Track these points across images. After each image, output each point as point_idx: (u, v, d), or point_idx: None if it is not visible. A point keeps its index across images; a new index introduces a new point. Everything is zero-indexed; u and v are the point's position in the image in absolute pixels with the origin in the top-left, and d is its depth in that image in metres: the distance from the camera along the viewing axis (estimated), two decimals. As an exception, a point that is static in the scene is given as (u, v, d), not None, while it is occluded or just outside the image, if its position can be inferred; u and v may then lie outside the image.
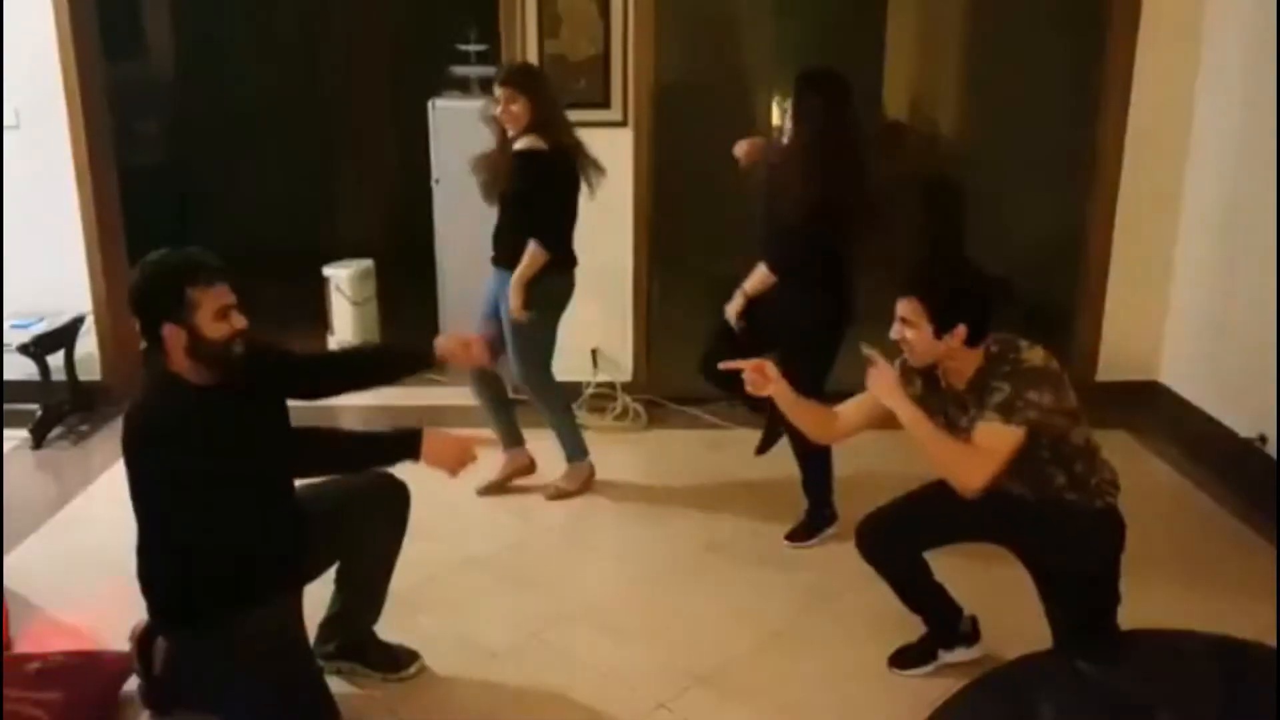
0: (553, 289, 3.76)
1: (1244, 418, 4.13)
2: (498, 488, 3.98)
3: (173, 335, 2.42)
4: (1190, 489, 4.08)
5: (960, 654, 2.96)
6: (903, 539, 2.83)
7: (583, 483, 4.00)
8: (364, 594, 2.89)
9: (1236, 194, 4.30)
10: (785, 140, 3.47)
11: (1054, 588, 2.72)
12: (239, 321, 2.48)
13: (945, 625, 2.97)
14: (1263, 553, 3.59)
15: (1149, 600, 3.19)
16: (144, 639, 2.71)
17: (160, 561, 2.53)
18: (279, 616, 2.55)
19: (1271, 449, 3.95)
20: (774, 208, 3.45)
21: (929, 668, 2.96)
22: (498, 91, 3.63)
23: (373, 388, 3.09)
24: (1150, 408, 4.70)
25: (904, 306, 2.61)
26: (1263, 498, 3.84)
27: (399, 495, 2.84)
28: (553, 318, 3.83)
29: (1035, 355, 2.58)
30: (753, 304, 3.54)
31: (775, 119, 3.61)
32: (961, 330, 2.54)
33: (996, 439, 2.51)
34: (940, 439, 2.57)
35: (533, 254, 3.65)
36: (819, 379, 3.43)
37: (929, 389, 2.71)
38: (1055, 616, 2.72)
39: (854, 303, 3.54)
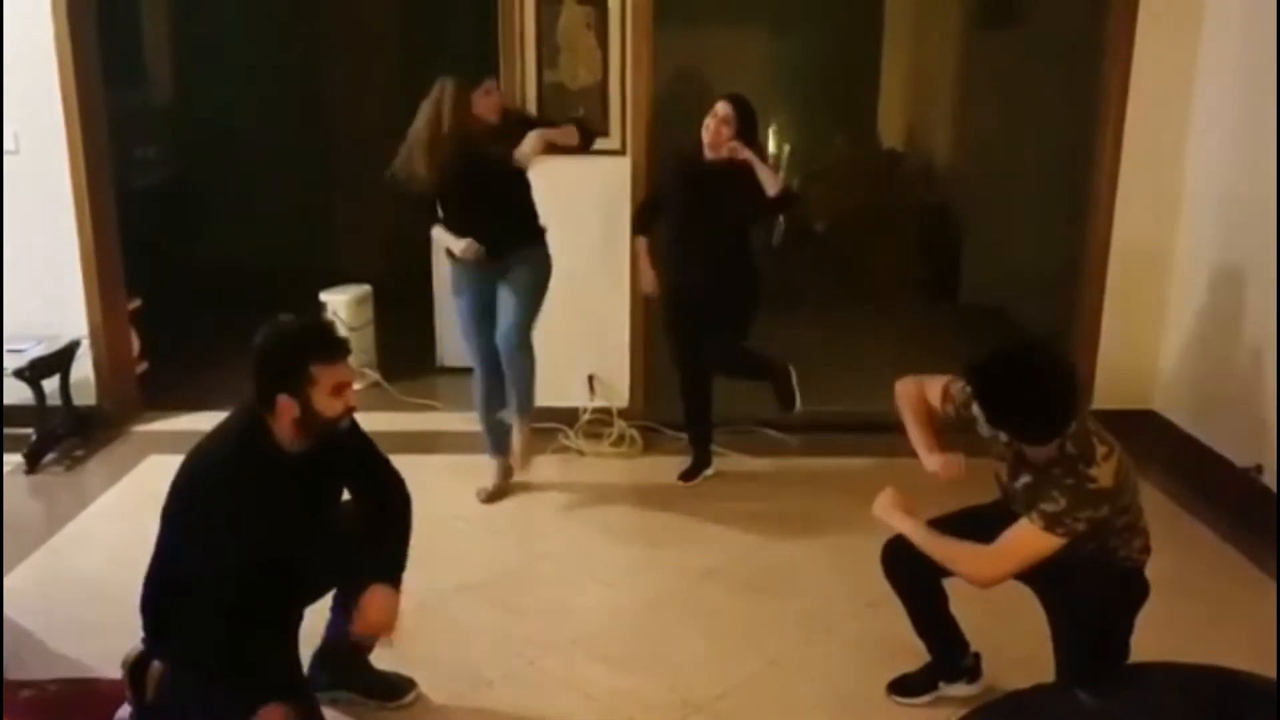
0: (548, 258, 4.01)
1: (1239, 447, 4.13)
2: (501, 494, 4.16)
3: (286, 407, 2.44)
4: (1186, 518, 4.08)
5: (961, 688, 2.94)
6: (926, 560, 2.75)
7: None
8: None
9: (1231, 226, 4.33)
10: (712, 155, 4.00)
11: (1064, 631, 2.63)
12: (351, 400, 2.51)
13: (950, 657, 2.94)
14: (1259, 582, 3.59)
15: (1145, 629, 3.18)
16: (136, 666, 2.69)
17: (166, 591, 2.51)
18: (274, 644, 2.53)
19: (1268, 479, 3.95)
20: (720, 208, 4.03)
21: (928, 698, 2.94)
22: (489, 82, 3.83)
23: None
24: (1145, 436, 4.69)
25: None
26: (1259, 527, 3.84)
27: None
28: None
29: (1105, 475, 2.44)
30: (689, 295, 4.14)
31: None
32: (1003, 436, 2.51)
33: (1028, 544, 2.47)
34: (949, 547, 2.57)
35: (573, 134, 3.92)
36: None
37: (1007, 446, 2.61)
38: (1060, 659, 2.64)
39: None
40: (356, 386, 5.54)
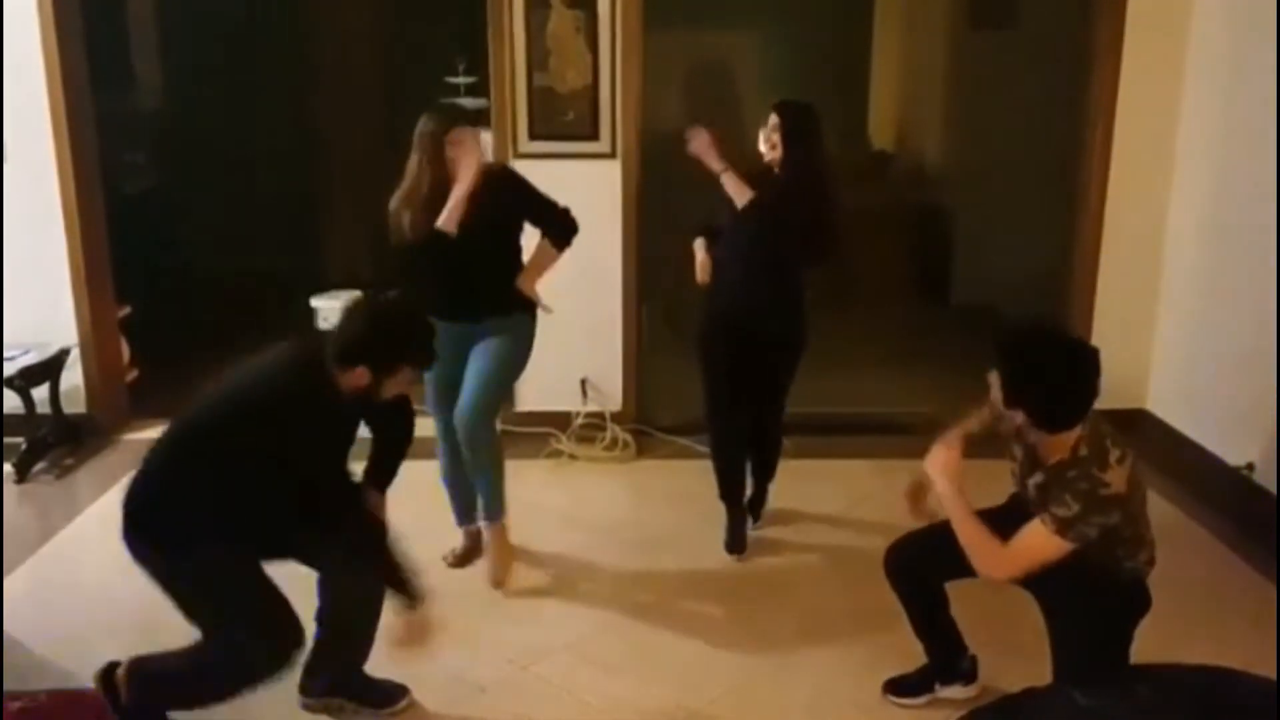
0: (531, 332, 3.56)
1: (1232, 446, 4.14)
2: (470, 556, 3.70)
3: (360, 375, 2.57)
4: (1180, 517, 4.08)
5: (957, 691, 2.94)
6: (929, 565, 2.79)
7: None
8: (351, 636, 2.85)
9: (1222, 223, 4.34)
10: (778, 171, 3.53)
11: (1063, 638, 2.60)
12: (409, 388, 2.78)
13: (947, 659, 2.94)
14: (1253, 581, 3.60)
15: (1141, 630, 3.18)
16: (106, 675, 2.71)
17: (168, 490, 2.60)
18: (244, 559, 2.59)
19: (1260, 477, 3.96)
20: (770, 236, 3.51)
21: (923, 699, 2.95)
22: (460, 131, 3.36)
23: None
24: (1138, 436, 4.69)
25: (992, 370, 2.52)
26: (1252, 526, 3.85)
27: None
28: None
29: (1118, 479, 2.43)
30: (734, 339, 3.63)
31: (764, 151, 3.57)
32: (1019, 416, 2.46)
33: (1039, 548, 2.46)
34: (976, 527, 2.52)
35: (552, 254, 3.51)
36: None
37: (1019, 440, 2.63)
38: (1058, 664, 2.61)
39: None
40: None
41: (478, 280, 3.41)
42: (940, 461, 2.60)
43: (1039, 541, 2.46)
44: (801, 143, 3.48)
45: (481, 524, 3.59)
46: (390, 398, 2.71)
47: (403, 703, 2.91)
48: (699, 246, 3.73)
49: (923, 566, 2.81)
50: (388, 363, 2.59)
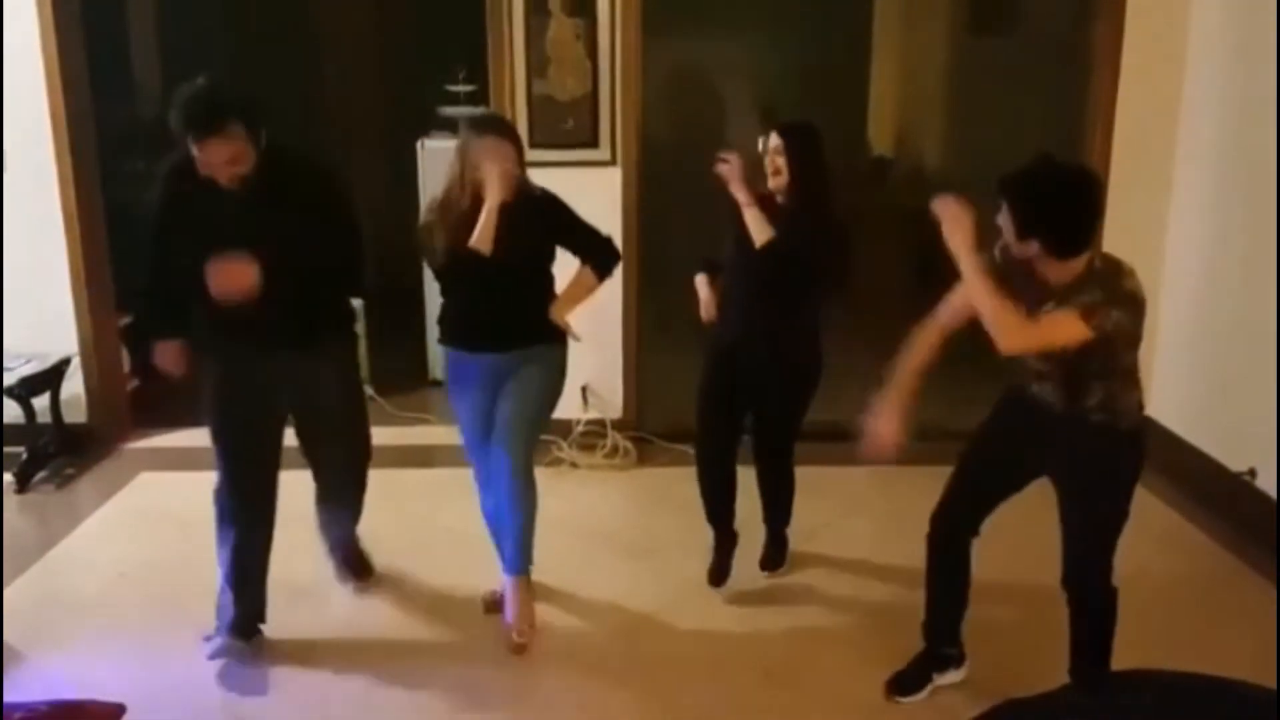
0: (565, 362, 3.40)
1: (1233, 452, 4.14)
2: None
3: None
4: (1181, 523, 4.08)
5: (951, 675, 3.03)
6: (970, 522, 2.91)
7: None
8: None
9: (1222, 227, 4.33)
10: (783, 200, 3.35)
11: (1076, 505, 2.73)
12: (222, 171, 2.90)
13: (949, 639, 3.02)
14: (1256, 587, 3.59)
15: (1144, 635, 3.18)
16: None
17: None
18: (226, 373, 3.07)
19: (1261, 483, 3.95)
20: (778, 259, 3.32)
21: (926, 692, 3.00)
22: (494, 142, 3.12)
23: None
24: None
25: (1002, 205, 2.59)
26: (1255, 532, 3.84)
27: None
28: None
29: (1135, 284, 2.54)
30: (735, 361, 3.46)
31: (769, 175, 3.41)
32: (1034, 246, 2.52)
33: (1061, 326, 2.50)
34: (994, 294, 2.54)
35: (592, 283, 3.33)
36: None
37: (1020, 274, 2.64)
38: (1071, 538, 2.75)
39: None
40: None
41: (510, 307, 3.24)
42: (958, 224, 2.58)
43: (1061, 319, 2.50)
44: (811, 170, 3.32)
45: (504, 576, 3.32)
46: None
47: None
48: (701, 284, 3.56)
49: (965, 528, 2.91)
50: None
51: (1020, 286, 2.60)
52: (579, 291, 3.31)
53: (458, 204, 3.13)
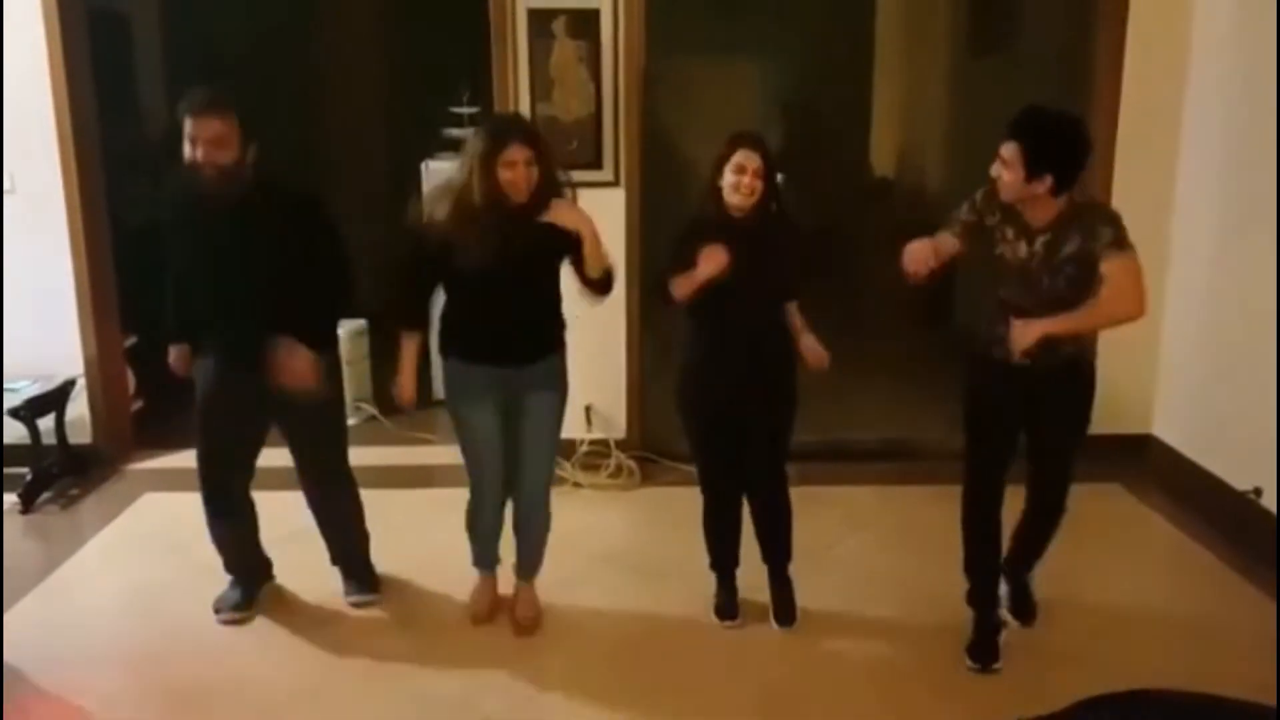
0: (566, 372, 3.41)
1: (1238, 471, 4.13)
2: (496, 610, 3.56)
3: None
4: (1186, 542, 4.08)
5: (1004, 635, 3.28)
6: (995, 490, 3.20)
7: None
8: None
9: (1226, 248, 4.34)
10: (745, 217, 3.22)
11: (1063, 438, 3.18)
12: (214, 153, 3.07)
13: (996, 601, 3.28)
14: (1260, 607, 3.58)
15: (1149, 654, 3.18)
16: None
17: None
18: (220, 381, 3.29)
19: (1266, 502, 3.95)
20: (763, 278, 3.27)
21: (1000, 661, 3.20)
22: (515, 151, 3.03)
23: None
24: (1144, 461, 4.70)
25: (1005, 148, 2.90)
26: (1259, 551, 3.83)
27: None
28: None
29: (1116, 213, 2.96)
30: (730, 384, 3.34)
31: (739, 197, 3.28)
32: (1049, 180, 2.85)
33: (1130, 268, 2.86)
34: (1093, 315, 2.94)
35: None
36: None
37: (1006, 216, 3.02)
38: (1059, 468, 3.21)
39: None
40: (351, 421, 5.53)
41: (526, 317, 3.23)
42: (1030, 334, 2.94)
43: (1125, 264, 2.86)
44: (774, 187, 3.23)
45: (518, 580, 3.53)
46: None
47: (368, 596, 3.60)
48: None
49: (997, 499, 3.20)
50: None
51: (1009, 227, 3.00)
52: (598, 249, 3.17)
53: (470, 206, 3.05)
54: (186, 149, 3.08)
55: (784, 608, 3.50)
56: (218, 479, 3.40)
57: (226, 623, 3.48)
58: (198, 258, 3.28)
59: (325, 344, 3.37)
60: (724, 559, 3.58)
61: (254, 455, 3.44)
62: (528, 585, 3.54)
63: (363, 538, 3.70)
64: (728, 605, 3.54)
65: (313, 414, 3.36)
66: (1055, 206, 2.92)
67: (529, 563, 3.52)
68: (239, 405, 3.31)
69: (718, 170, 3.20)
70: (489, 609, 3.54)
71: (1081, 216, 2.92)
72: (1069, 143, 2.88)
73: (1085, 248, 2.88)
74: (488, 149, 3.03)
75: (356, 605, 3.60)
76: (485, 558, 3.57)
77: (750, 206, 3.20)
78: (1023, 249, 2.99)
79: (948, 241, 3.14)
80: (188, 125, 3.06)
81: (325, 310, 3.39)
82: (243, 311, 3.24)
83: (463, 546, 3.57)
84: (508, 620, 3.51)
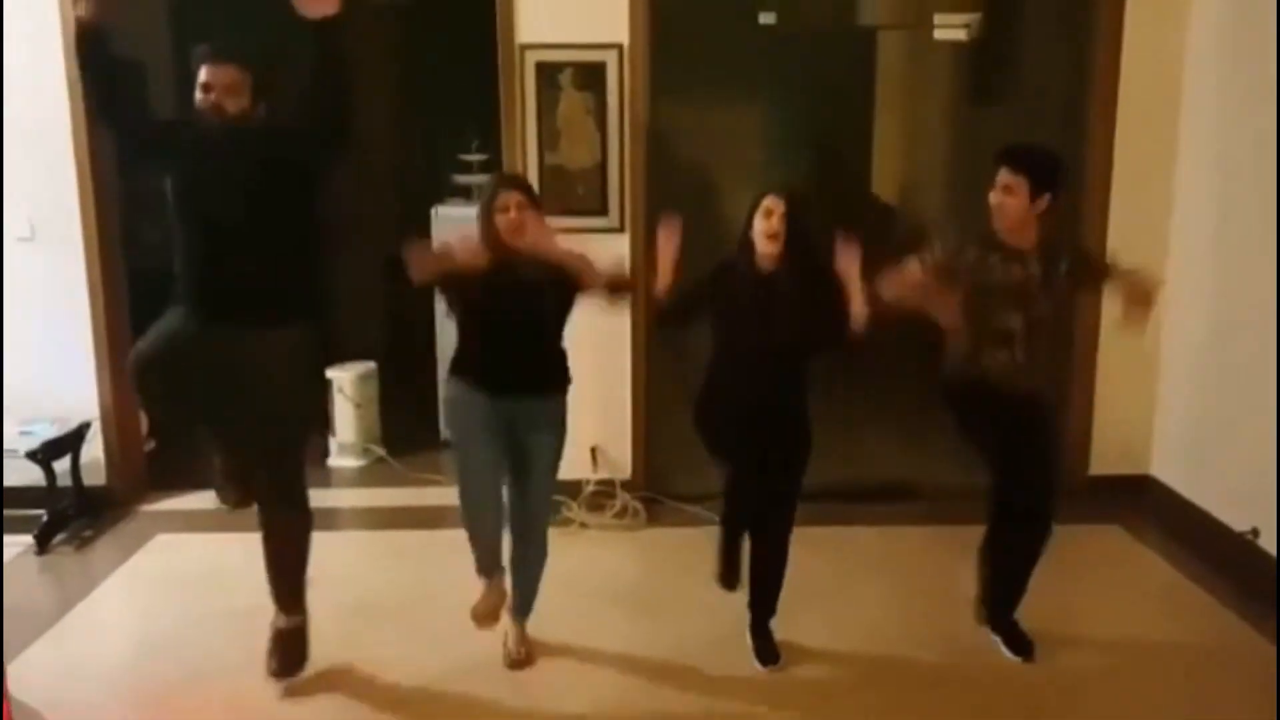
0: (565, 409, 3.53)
1: (1236, 511, 4.17)
2: (497, 611, 3.57)
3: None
4: (1184, 582, 4.10)
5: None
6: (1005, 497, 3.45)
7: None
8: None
9: (1223, 287, 4.41)
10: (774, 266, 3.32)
11: (1048, 442, 3.51)
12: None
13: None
14: (1258, 647, 3.61)
15: (1147, 694, 3.21)
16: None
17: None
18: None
19: (1263, 543, 3.98)
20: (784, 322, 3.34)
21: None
22: (506, 197, 3.27)
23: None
24: (1142, 501, 4.74)
25: (1005, 175, 3.21)
26: (1257, 592, 3.86)
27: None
28: None
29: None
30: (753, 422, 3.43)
31: (764, 243, 3.34)
32: (1046, 199, 3.19)
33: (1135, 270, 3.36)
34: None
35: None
36: None
37: (985, 248, 3.27)
38: (1047, 470, 3.44)
39: None
40: (360, 463, 5.58)
41: (530, 346, 3.36)
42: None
43: (1130, 268, 3.38)
44: (805, 236, 3.33)
45: (514, 616, 3.57)
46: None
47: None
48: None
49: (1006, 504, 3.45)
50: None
51: (980, 257, 3.24)
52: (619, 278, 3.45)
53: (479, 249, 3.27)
54: (198, 95, 3.04)
55: (767, 651, 3.53)
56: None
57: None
58: (194, 183, 3.22)
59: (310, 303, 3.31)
60: (735, 532, 3.65)
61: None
62: (520, 622, 3.59)
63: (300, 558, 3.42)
64: (730, 572, 3.69)
65: (277, 383, 3.17)
66: (1037, 230, 3.24)
67: (523, 601, 3.58)
68: (205, 359, 3.18)
69: (749, 220, 3.32)
70: (493, 607, 3.50)
71: (1057, 242, 3.30)
72: (1058, 165, 3.30)
73: (1079, 267, 3.38)
74: (486, 200, 3.34)
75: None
76: (482, 559, 3.52)
77: (776, 255, 3.27)
78: (1016, 271, 3.24)
79: (914, 268, 3.32)
80: (201, 73, 3.04)
81: (332, 130, 3.49)
82: (232, 251, 3.21)
83: (470, 584, 3.62)
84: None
